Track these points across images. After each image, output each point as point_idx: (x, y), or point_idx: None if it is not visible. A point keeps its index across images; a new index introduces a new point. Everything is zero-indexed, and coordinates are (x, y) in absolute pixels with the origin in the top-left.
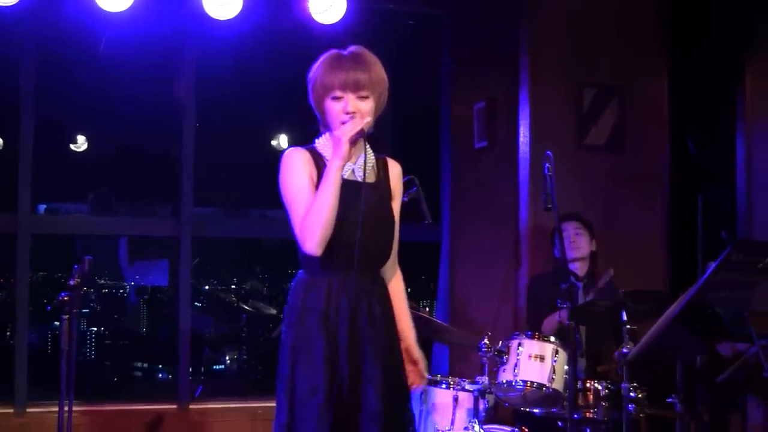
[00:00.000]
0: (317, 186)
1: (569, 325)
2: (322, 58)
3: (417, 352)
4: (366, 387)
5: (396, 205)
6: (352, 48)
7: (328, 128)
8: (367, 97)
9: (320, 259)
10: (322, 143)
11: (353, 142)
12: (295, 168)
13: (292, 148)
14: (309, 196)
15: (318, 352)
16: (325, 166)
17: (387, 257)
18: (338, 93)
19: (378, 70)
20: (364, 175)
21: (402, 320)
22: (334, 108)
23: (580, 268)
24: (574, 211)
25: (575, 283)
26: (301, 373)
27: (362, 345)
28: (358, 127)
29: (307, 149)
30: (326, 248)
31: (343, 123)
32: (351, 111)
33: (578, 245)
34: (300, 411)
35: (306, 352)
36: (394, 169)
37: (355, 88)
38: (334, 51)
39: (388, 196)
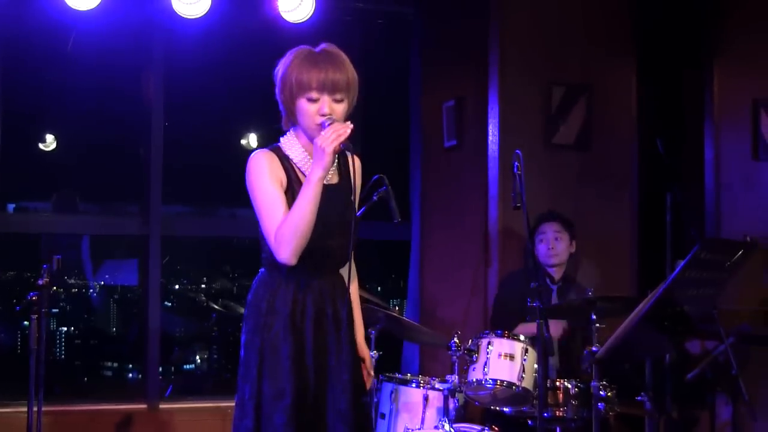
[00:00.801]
0: (286, 189)
1: (538, 324)
2: (293, 54)
3: (365, 351)
4: (333, 388)
5: (356, 197)
6: (325, 45)
7: (294, 126)
8: (342, 100)
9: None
10: (287, 142)
11: (337, 152)
12: (264, 172)
13: (258, 151)
14: (281, 203)
15: (285, 355)
16: (291, 166)
17: (349, 259)
18: (314, 95)
19: (352, 72)
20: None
21: (354, 319)
22: (309, 109)
23: (556, 272)
24: (554, 210)
25: (550, 286)
26: (268, 377)
27: (328, 346)
28: (342, 138)
29: (272, 150)
30: None
31: (319, 124)
32: (327, 113)
33: (557, 251)
34: (267, 414)
35: (273, 355)
36: (355, 165)
37: (333, 89)
38: (305, 47)
39: (351, 195)
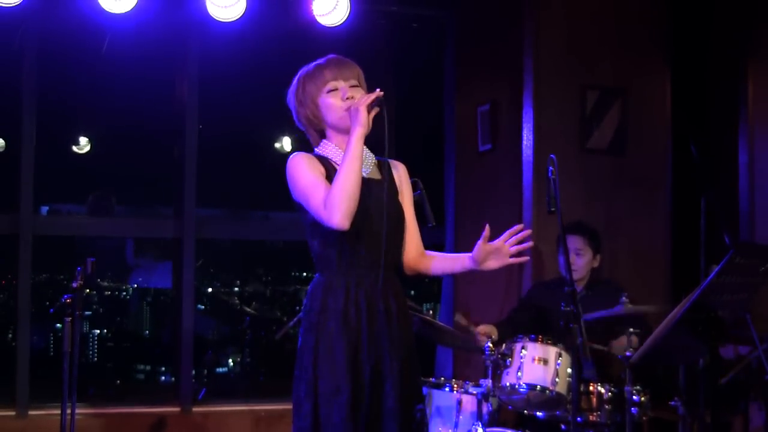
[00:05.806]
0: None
1: (572, 328)
2: (300, 74)
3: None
4: (385, 384)
5: (406, 201)
6: (329, 56)
7: (323, 134)
8: (357, 86)
9: (336, 259)
10: (321, 148)
11: (370, 109)
12: (304, 165)
13: (296, 153)
14: (324, 182)
15: (340, 352)
16: (329, 163)
17: (400, 254)
18: (332, 85)
19: (360, 71)
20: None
21: (453, 257)
22: (333, 101)
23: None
24: (581, 222)
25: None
26: (324, 375)
27: (381, 342)
28: (373, 96)
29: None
30: (342, 248)
31: (347, 109)
32: (350, 96)
33: (576, 266)
34: (325, 412)
35: (328, 353)
36: (399, 167)
37: (346, 77)
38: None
39: (396, 193)
